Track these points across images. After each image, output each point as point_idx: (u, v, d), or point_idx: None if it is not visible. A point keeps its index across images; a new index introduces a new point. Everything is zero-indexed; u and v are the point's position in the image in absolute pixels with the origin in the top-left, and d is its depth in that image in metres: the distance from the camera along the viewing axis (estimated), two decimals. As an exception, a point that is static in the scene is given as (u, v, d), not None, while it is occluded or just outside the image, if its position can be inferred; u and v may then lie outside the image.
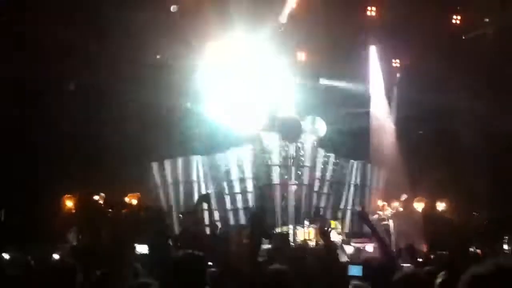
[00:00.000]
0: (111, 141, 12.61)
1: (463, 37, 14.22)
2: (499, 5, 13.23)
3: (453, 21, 14.07)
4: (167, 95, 13.38)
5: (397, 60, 15.04)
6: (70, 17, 11.83)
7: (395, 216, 13.85)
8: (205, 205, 12.79)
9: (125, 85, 12.61)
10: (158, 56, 13.61)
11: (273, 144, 14.53)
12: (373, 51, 14.94)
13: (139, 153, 13.14)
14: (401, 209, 14.21)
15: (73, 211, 12.31)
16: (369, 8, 14.03)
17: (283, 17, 13.47)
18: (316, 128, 15.01)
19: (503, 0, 13.16)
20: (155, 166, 13.82)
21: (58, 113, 12.12)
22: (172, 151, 13.86)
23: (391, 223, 13.66)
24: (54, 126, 11.99)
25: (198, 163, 14.10)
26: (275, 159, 14.45)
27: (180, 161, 13.95)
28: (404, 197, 14.15)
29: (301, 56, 14.67)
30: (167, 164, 13.88)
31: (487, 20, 13.95)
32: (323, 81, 15.00)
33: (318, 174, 14.90)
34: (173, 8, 12.75)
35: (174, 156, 13.90)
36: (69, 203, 12.29)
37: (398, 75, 15.30)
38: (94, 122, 12.82)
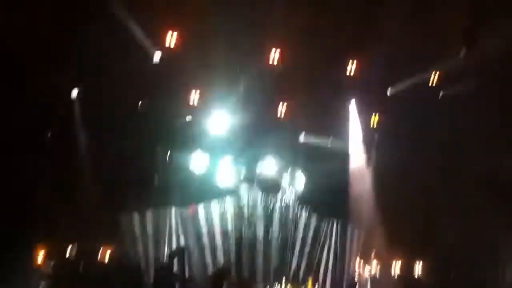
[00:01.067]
0: (86, 189, 12.31)
1: (440, 95, 14.41)
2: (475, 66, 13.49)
3: (432, 78, 14.25)
4: (147, 144, 13.26)
5: (376, 116, 15.11)
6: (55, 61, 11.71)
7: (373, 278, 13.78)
8: (178, 259, 12.87)
9: (105, 133, 12.42)
10: (140, 104, 13.47)
11: (251, 197, 14.42)
12: (352, 107, 15.01)
13: (115, 201, 12.80)
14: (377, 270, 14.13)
15: (44, 262, 11.82)
16: (350, 62, 14.16)
17: (266, 69, 13.50)
18: (295, 181, 14.96)
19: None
20: (130, 216, 13.45)
21: (33, 160, 11.80)
22: (149, 201, 13.56)
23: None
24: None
25: (171, 215, 13.79)
26: (253, 212, 14.30)
27: (153, 213, 13.63)
28: (375, 255, 14.01)
29: (283, 108, 14.66)
30: (143, 214, 13.54)
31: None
32: (303, 135, 14.99)
33: (294, 230, 14.76)
34: (156, 56, 12.70)
35: (150, 206, 13.59)
36: (40, 254, 11.80)
37: (376, 132, 15.34)
38: (70, 170, 12.50)
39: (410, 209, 14.92)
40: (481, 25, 13.11)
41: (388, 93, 14.52)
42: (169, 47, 12.52)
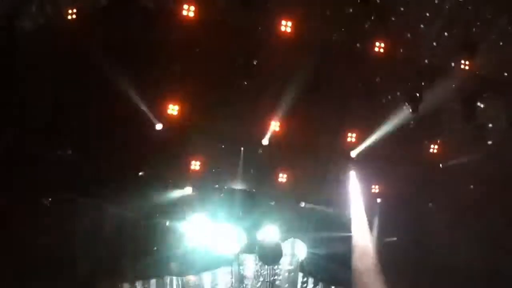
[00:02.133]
0: (82, 257, 12.29)
1: (440, 166, 14.44)
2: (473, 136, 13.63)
3: (431, 150, 14.30)
4: (146, 211, 13.31)
5: (377, 186, 15.08)
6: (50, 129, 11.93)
7: None
8: None
9: (102, 200, 12.52)
10: (140, 173, 13.58)
11: (251, 266, 14.30)
12: (353, 176, 15.02)
13: (111, 271, 12.76)
14: None
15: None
16: (349, 134, 14.29)
17: (265, 140, 13.65)
18: (296, 251, 14.86)
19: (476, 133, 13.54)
20: (126, 286, 13.37)
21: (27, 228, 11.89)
22: (146, 271, 13.49)
23: None
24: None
25: (172, 285, 13.67)
26: (252, 282, 14.15)
27: (153, 283, 13.54)
28: None
29: (283, 178, 14.68)
30: (139, 285, 13.45)
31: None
32: (304, 204, 14.96)
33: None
34: (158, 125, 12.89)
35: (147, 276, 13.51)
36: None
37: (378, 200, 15.29)
38: (65, 235, 12.52)
39: (415, 277, 14.73)
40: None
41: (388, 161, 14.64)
42: (171, 115, 12.74)
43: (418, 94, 13.54)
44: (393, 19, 13.14)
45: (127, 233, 13.23)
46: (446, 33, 13.13)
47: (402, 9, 13.14)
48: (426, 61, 13.52)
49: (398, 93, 13.88)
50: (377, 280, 14.90)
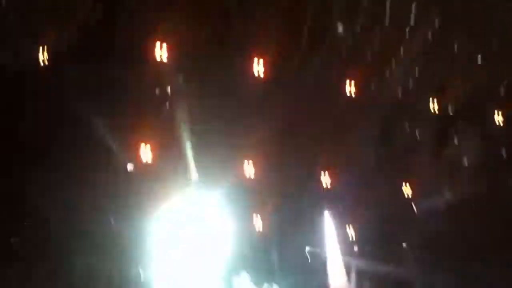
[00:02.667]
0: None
1: (414, 209, 14.47)
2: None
3: (405, 194, 14.34)
4: (119, 261, 12.83)
5: (351, 227, 14.96)
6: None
7: None
8: None
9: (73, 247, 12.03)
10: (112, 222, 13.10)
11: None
12: (327, 217, 14.90)
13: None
14: None
15: None
16: (322, 174, 14.24)
17: (240, 184, 13.44)
18: (273, 297, 14.50)
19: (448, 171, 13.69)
20: None
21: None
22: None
23: None
24: None
25: None
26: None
27: None
28: None
29: (259, 221, 14.41)
30: None
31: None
32: (280, 247, 14.69)
33: None
34: (129, 166, 12.56)
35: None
36: None
37: (354, 243, 15.14)
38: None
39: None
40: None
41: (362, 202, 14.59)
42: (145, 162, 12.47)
43: (389, 133, 13.66)
44: (364, 59, 13.31)
45: (100, 283, 12.68)
46: (416, 73, 13.34)
47: (373, 49, 13.33)
48: (396, 100, 13.66)
49: (370, 133, 13.93)
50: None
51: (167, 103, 12.31)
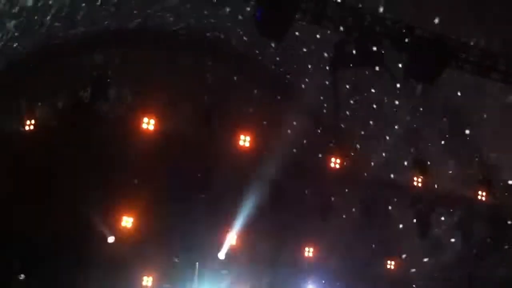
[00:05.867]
0: None
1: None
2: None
3: (388, 265, 14.36)
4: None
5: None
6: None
7: None
8: None
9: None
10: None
11: None
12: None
13: None
14: None
15: None
16: (307, 248, 14.31)
17: (222, 254, 13.43)
18: None
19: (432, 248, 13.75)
20: None
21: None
22: None
23: None
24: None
25: None
26: None
27: None
28: None
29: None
30: None
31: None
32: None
33: None
34: (110, 238, 12.54)
35: None
36: None
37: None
38: None
39: None
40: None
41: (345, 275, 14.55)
42: (125, 228, 12.46)
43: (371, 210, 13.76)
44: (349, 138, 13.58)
45: None
46: (398, 151, 13.55)
47: (358, 130, 13.64)
48: (379, 176, 13.82)
49: (354, 209, 14.07)
50: None
51: (151, 174, 12.38)
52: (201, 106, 12.68)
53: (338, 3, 9.68)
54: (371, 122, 13.53)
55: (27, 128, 11.26)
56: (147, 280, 12.93)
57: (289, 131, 13.47)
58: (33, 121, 11.22)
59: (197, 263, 13.15)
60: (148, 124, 12.15)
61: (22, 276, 11.68)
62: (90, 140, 11.68)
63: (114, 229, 12.30)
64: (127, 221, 12.38)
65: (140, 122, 12.11)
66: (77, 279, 12.05)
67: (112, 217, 12.18)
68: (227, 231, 13.24)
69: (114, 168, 11.95)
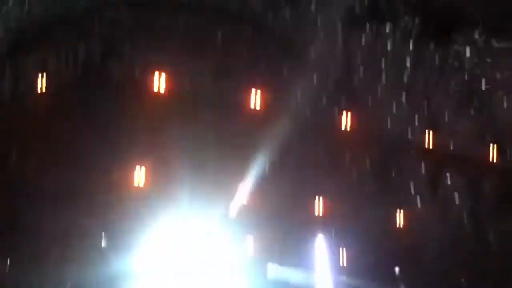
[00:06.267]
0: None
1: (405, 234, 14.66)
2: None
3: (397, 222, 14.51)
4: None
5: (344, 251, 15.18)
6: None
7: None
8: None
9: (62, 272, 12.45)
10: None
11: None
12: (320, 241, 15.12)
13: None
14: None
15: None
16: (316, 200, 14.46)
17: (232, 211, 13.78)
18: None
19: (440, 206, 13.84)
20: None
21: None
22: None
23: None
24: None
25: None
26: None
27: None
28: None
29: (251, 243, 14.67)
30: None
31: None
32: (272, 268, 14.98)
33: None
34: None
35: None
36: None
37: (344, 265, 15.36)
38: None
39: None
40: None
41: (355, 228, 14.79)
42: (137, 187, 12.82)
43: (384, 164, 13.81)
44: (361, 93, 13.49)
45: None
46: (411, 108, 13.46)
47: (369, 84, 13.50)
48: (390, 133, 13.80)
49: (366, 165, 14.11)
50: None
51: (163, 134, 12.60)
52: (213, 64, 12.70)
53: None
54: (383, 81, 13.40)
55: (38, 89, 11.49)
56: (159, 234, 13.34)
57: (300, 89, 13.42)
58: (44, 82, 11.43)
59: (209, 219, 13.54)
60: (160, 82, 12.28)
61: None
62: (102, 100, 11.88)
63: (126, 185, 12.61)
64: (139, 178, 12.70)
65: (151, 81, 12.25)
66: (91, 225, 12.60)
67: (123, 176, 12.49)
68: (238, 188, 13.50)
69: (126, 127, 12.19)
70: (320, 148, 13.66)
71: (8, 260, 11.84)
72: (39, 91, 11.60)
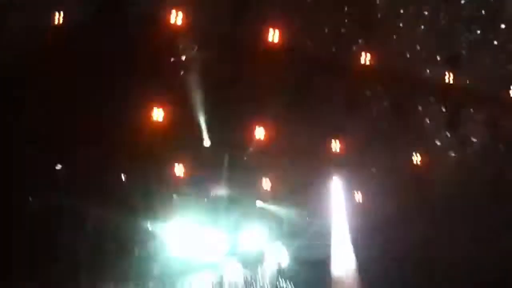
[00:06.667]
0: (58, 256, 12.31)
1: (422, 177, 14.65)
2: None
3: (414, 161, 14.47)
4: (128, 214, 13.35)
5: (359, 193, 15.22)
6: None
7: None
8: None
9: (83, 199, 12.54)
10: (123, 176, 13.57)
11: (233, 271, 14.40)
12: (336, 183, 15.15)
13: (90, 272, 12.78)
14: None
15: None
16: (333, 141, 14.40)
17: (251, 146, 13.75)
18: (278, 257, 14.98)
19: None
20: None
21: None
22: (126, 273, 13.54)
23: None
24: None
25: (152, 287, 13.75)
26: (233, 286, 14.27)
27: (132, 285, 13.58)
28: None
29: (267, 184, 14.72)
30: (118, 287, 13.49)
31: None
32: (287, 209, 15.08)
33: (277, 304, 14.73)
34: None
35: (127, 278, 13.55)
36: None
37: (359, 208, 15.41)
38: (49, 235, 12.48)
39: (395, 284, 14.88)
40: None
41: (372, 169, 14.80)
42: (156, 121, 12.77)
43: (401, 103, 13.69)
44: (378, 30, 13.27)
45: (109, 236, 13.27)
46: (430, 45, 13.28)
47: (387, 20, 13.28)
48: (409, 71, 13.64)
49: (384, 103, 14.00)
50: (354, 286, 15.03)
51: (181, 67, 12.49)
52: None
53: None
54: (403, 15, 13.18)
55: (56, 22, 11.35)
56: (179, 168, 13.40)
57: (319, 24, 13.22)
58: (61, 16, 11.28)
59: (227, 154, 13.59)
60: (176, 17, 12.12)
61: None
62: (121, 37, 11.75)
63: (145, 119, 12.57)
64: (158, 111, 12.66)
65: (168, 15, 12.08)
66: (106, 166, 12.66)
67: (143, 108, 12.45)
68: (256, 125, 13.45)
69: (144, 62, 12.08)
70: (338, 85, 13.50)
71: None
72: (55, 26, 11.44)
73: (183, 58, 12.46)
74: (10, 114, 11.72)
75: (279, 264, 14.94)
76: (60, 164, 12.49)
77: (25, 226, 12.23)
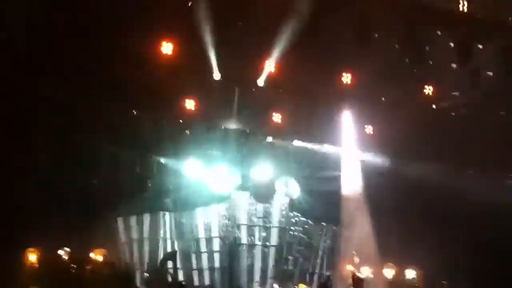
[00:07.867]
0: (76, 193, 12.54)
1: (434, 107, 14.58)
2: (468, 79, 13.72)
3: (425, 91, 14.38)
4: (141, 149, 13.52)
5: (370, 126, 15.23)
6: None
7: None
8: (170, 264, 13.19)
9: (97, 136, 12.67)
10: (134, 112, 13.66)
11: (245, 204, 14.65)
12: (347, 116, 15.15)
13: (105, 206, 13.05)
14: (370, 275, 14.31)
15: (36, 266, 12.07)
16: (344, 74, 14.29)
17: (261, 80, 13.72)
18: (289, 190, 15.18)
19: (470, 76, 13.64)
20: (121, 221, 13.73)
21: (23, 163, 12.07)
22: (140, 207, 13.82)
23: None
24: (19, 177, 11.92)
25: (165, 220, 14.05)
26: (245, 219, 14.55)
27: (147, 217, 13.91)
28: (356, 260, 14.03)
29: (277, 117, 14.74)
30: (134, 220, 13.82)
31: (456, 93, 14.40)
32: (297, 143, 15.17)
33: (287, 236, 15.00)
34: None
35: (141, 211, 13.85)
36: (32, 258, 12.07)
37: (370, 140, 15.45)
38: (58, 171, 12.68)
39: (402, 214, 15.11)
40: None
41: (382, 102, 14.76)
42: (166, 55, 12.71)
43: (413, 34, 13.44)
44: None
45: (122, 169, 13.47)
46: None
47: None
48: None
49: (394, 35, 13.76)
50: (364, 219, 15.24)
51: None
52: None
53: None
54: None
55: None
56: (189, 103, 13.44)
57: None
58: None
59: (237, 88, 13.58)
60: None
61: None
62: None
63: (155, 54, 12.53)
64: (167, 47, 12.60)
65: None
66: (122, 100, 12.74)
67: (152, 44, 12.39)
68: (266, 59, 13.37)
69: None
70: (347, 16, 13.23)
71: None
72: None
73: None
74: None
75: (290, 197, 15.15)
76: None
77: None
